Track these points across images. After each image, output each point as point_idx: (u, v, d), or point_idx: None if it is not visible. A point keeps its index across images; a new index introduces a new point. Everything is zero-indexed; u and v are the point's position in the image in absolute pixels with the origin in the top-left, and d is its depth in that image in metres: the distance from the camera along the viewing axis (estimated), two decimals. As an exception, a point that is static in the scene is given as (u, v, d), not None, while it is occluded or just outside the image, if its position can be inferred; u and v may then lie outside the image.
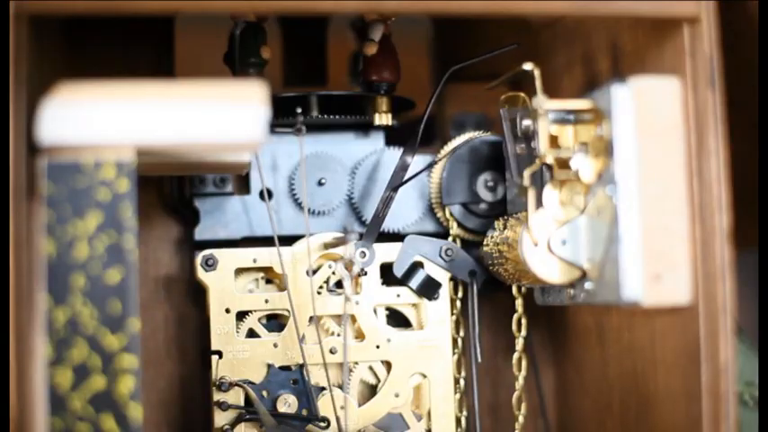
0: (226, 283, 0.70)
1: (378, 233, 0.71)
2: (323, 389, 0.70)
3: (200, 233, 0.73)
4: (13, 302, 0.50)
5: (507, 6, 0.56)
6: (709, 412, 0.56)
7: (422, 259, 0.72)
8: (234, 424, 0.69)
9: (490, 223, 0.71)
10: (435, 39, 0.80)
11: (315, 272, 0.70)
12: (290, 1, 0.54)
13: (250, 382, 0.69)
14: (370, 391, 0.72)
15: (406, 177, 0.70)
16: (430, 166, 0.72)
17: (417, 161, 0.72)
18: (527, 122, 0.63)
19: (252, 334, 0.70)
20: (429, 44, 0.80)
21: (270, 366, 0.70)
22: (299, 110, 0.68)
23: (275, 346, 0.70)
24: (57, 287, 0.51)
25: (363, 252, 0.70)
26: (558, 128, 0.61)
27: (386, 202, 0.70)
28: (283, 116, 0.70)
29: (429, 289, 0.71)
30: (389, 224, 0.73)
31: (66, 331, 0.51)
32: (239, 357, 0.70)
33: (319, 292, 0.70)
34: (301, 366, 0.70)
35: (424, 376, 0.71)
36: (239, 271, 0.71)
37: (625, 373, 0.67)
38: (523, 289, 0.72)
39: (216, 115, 0.52)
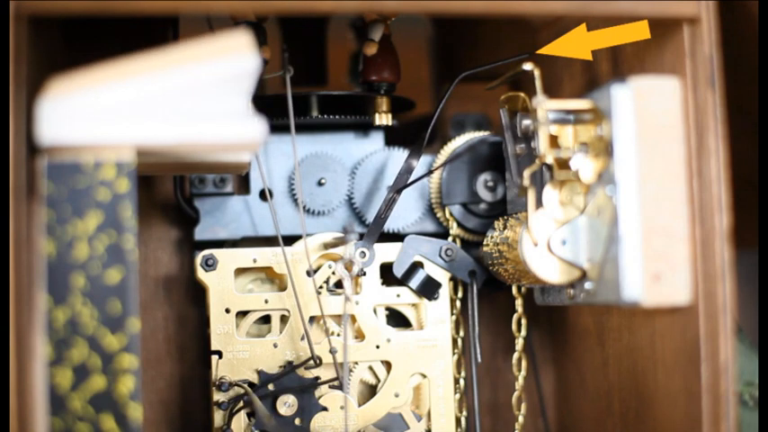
0: (226, 283, 0.70)
1: (379, 234, 0.71)
2: (317, 378, 0.70)
3: (200, 233, 0.73)
4: (13, 302, 0.50)
5: (507, 6, 0.56)
6: (709, 412, 0.56)
7: (422, 259, 0.72)
8: (231, 413, 0.69)
9: (490, 223, 0.71)
10: (435, 39, 0.80)
11: (315, 272, 0.70)
12: (290, 1, 0.54)
13: (250, 383, 0.69)
14: (370, 391, 0.72)
15: (410, 180, 0.70)
16: (437, 168, 0.72)
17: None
18: (527, 122, 0.63)
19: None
20: (429, 44, 0.80)
21: (290, 363, 0.69)
22: (286, 50, 0.68)
23: (275, 346, 0.70)
24: (57, 287, 0.51)
25: (363, 252, 0.70)
26: (558, 128, 0.61)
27: (389, 204, 0.70)
28: (283, 116, 0.70)
29: (429, 289, 0.71)
30: (389, 224, 0.73)
31: (66, 331, 0.51)
32: (239, 357, 0.70)
33: (319, 293, 0.70)
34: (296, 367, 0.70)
35: (424, 376, 0.71)
36: (239, 271, 0.71)
37: (625, 373, 0.67)
38: (523, 289, 0.72)
39: (216, 115, 0.52)
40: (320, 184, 0.73)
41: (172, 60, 0.52)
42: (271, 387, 0.69)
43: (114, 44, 0.76)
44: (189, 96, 0.52)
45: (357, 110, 0.73)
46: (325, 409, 0.69)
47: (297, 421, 0.69)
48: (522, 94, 0.65)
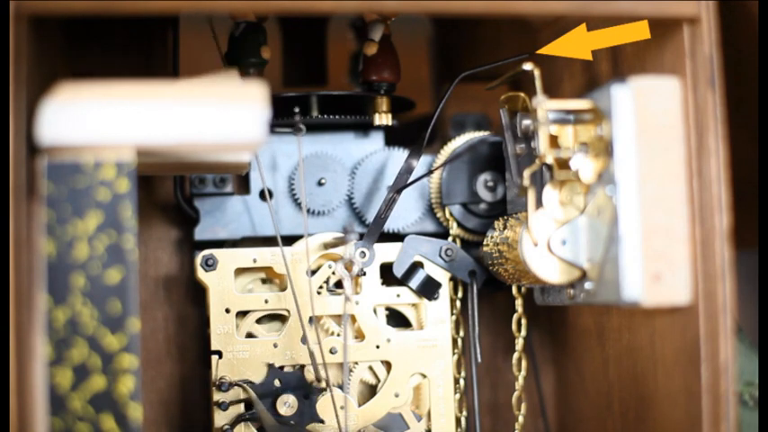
0: (226, 283, 0.70)
1: (379, 234, 0.71)
2: (323, 390, 0.70)
3: (200, 233, 0.73)
4: (13, 302, 0.50)
5: (507, 6, 0.56)
6: (709, 412, 0.56)
7: (422, 259, 0.72)
8: (237, 420, 0.69)
9: (490, 223, 0.71)
10: (435, 39, 0.80)
11: (314, 272, 0.70)
12: (290, 1, 0.54)
13: (250, 382, 0.69)
14: (370, 391, 0.72)
15: (410, 180, 0.70)
16: (437, 168, 0.72)
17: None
18: (527, 122, 0.63)
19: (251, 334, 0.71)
20: (429, 44, 0.80)
21: (303, 366, 0.70)
22: (297, 109, 0.68)
23: (275, 346, 0.70)
24: (57, 287, 0.51)
25: (363, 252, 0.70)
26: (558, 128, 0.61)
27: (389, 204, 0.70)
28: (283, 116, 0.70)
29: (429, 289, 0.71)
30: (389, 224, 0.73)
31: (66, 331, 0.51)
32: (239, 357, 0.70)
33: (319, 292, 0.70)
34: (302, 366, 0.70)
35: (424, 376, 0.71)
36: (239, 271, 0.71)
37: (625, 373, 0.67)
38: (523, 289, 0.72)
39: (216, 115, 0.52)
40: (320, 184, 0.73)
41: (182, 94, 0.52)
42: (277, 383, 0.69)
43: (114, 44, 0.76)
44: (190, 97, 0.52)
45: (357, 110, 0.73)
46: (321, 421, 0.69)
47: (293, 422, 0.69)
48: (522, 94, 0.65)
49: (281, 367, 0.70)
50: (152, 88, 0.52)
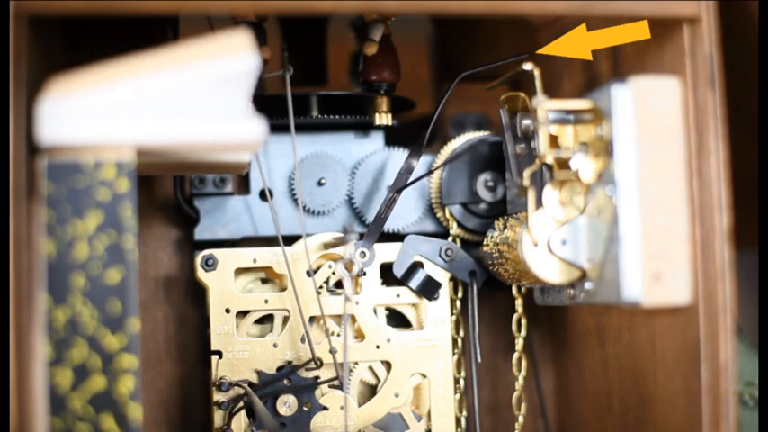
0: (226, 283, 0.70)
1: (379, 234, 0.71)
2: (325, 408, 0.70)
3: (200, 233, 0.73)
4: (13, 302, 0.50)
5: (507, 6, 0.56)
6: (709, 412, 0.56)
7: (422, 259, 0.72)
8: (231, 413, 0.69)
9: (490, 223, 0.71)
10: (435, 39, 0.80)
11: (315, 272, 0.70)
12: (290, 1, 0.54)
13: (250, 383, 0.69)
14: (370, 391, 0.72)
15: (409, 180, 0.70)
16: (437, 168, 0.72)
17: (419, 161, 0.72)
18: (527, 122, 0.63)
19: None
20: (429, 44, 0.80)
21: (289, 363, 0.69)
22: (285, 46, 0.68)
23: (275, 346, 0.70)
24: (57, 287, 0.51)
25: (363, 252, 0.70)
26: (558, 128, 0.61)
27: (389, 204, 0.70)
28: (283, 116, 0.70)
29: (429, 289, 0.71)
30: (389, 224, 0.73)
31: (66, 331, 0.51)
32: (239, 357, 0.70)
33: (319, 293, 0.70)
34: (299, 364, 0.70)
35: (424, 376, 0.71)
36: (239, 271, 0.71)
37: (625, 373, 0.67)
38: (523, 289, 0.72)
39: (216, 115, 0.52)
40: (320, 184, 0.73)
41: (171, 60, 0.52)
42: (286, 381, 0.69)
43: (114, 44, 0.76)
44: (189, 96, 0.52)
45: (357, 110, 0.73)
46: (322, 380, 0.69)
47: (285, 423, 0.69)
48: (522, 94, 0.65)
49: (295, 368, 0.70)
50: (152, 87, 0.52)
